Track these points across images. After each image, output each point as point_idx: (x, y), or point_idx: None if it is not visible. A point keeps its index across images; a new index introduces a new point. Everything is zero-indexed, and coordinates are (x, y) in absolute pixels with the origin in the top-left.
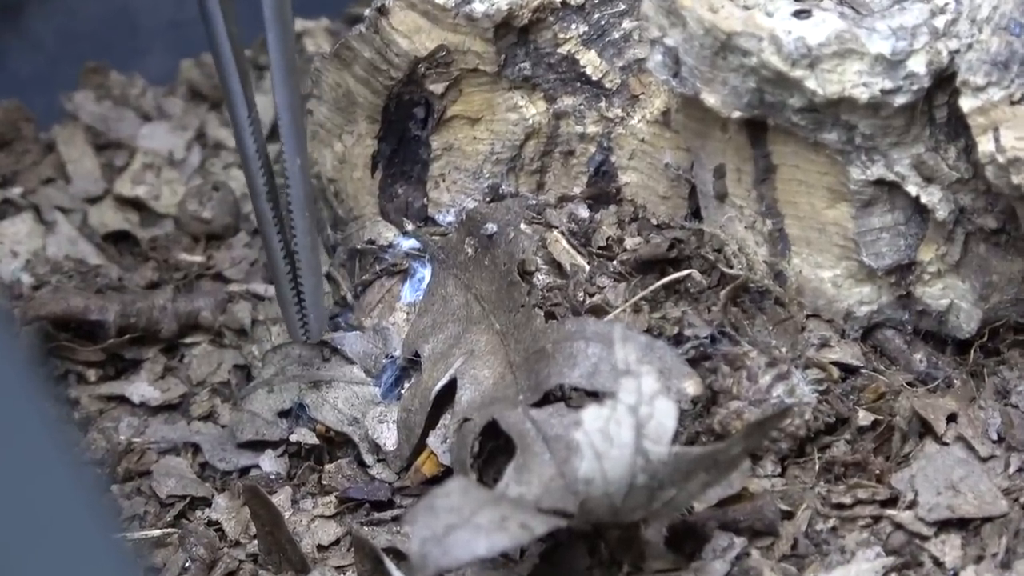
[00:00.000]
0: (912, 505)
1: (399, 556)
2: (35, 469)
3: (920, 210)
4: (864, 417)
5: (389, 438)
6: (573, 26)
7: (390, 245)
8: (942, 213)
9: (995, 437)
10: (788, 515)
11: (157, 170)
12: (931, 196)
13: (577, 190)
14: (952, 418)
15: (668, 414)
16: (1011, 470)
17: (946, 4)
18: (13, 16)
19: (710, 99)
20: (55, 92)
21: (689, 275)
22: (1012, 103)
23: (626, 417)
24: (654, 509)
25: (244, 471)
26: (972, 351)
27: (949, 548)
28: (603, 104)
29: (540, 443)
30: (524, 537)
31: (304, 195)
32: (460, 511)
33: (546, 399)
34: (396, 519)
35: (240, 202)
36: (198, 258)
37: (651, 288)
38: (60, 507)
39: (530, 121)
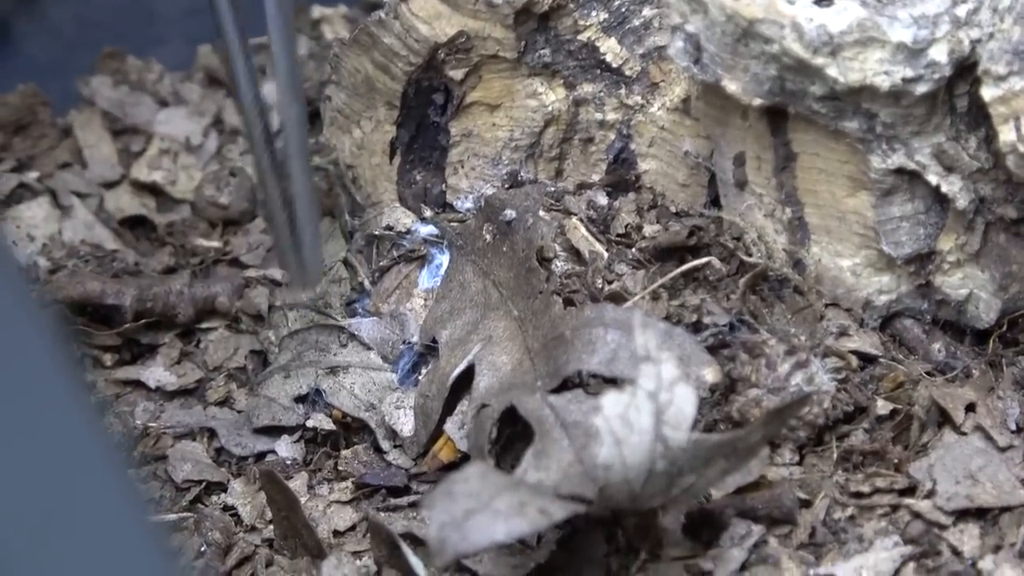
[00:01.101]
0: (930, 494)
1: (416, 542)
2: (69, 449)
3: (940, 199)
4: (883, 406)
5: (406, 424)
6: (594, 13)
7: (408, 231)
8: (962, 202)
9: (1014, 427)
10: (806, 503)
11: (174, 155)
12: (951, 185)
13: (596, 177)
14: (971, 408)
15: (688, 401)
16: None
17: None
18: (30, 2)
19: (731, 86)
20: (72, 77)
21: (708, 263)
22: None
23: (646, 403)
24: (673, 496)
25: (260, 456)
26: (991, 341)
27: (967, 538)
28: (623, 91)
29: (559, 429)
30: (543, 523)
31: (300, 142)
32: (479, 496)
33: (564, 385)
34: (413, 505)
35: (257, 188)
36: (215, 243)
37: (670, 276)
38: (93, 488)
39: (550, 108)
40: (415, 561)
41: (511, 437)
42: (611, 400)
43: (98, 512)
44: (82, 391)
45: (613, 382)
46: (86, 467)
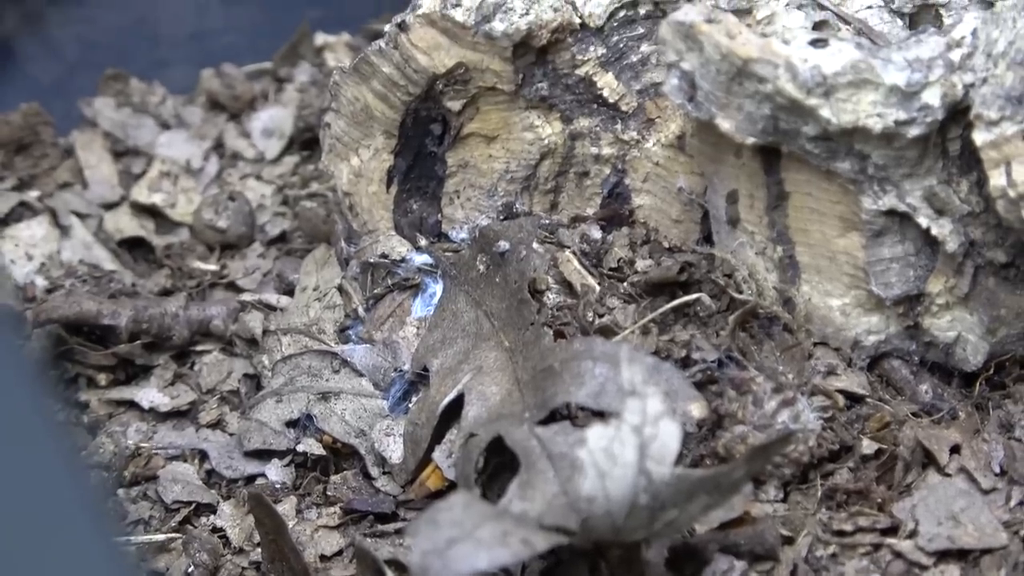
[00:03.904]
0: (912, 534)
1: (401, 568)
2: (40, 474)
3: (930, 242)
4: (868, 446)
5: (395, 451)
6: (591, 48)
7: (403, 260)
8: (952, 246)
9: (997, 470)
10: (789, 540)
11: (174, 178)
12: (942, 228)
13: (590, 211)
14: (955, 449)
15: (672, 435)
16: (1012, 503)
17: (962, 38)
18: (34, 23)
19: (725, 124)
20: (75, 98)
21: (699, 299)
22: None
23: (630, 437)
24: (655, 529)
25: (250, 479)
26: (978, 384)
27: None
28: (619, 126)
29: (544, 460)
30: (525, 553)
31: None
32: (462, 525)
33: (552, 417)
34: (399, 531)
35: (255, 213)
36: (212, 267)
37: (660, 310)
38: (63, 511)
39: (546, 141)
40: None
41: (498, 467)
42: (596, 433)
43: (66, 534)
44: (54, 414)
45: (601, 415)
46: (54, 489)
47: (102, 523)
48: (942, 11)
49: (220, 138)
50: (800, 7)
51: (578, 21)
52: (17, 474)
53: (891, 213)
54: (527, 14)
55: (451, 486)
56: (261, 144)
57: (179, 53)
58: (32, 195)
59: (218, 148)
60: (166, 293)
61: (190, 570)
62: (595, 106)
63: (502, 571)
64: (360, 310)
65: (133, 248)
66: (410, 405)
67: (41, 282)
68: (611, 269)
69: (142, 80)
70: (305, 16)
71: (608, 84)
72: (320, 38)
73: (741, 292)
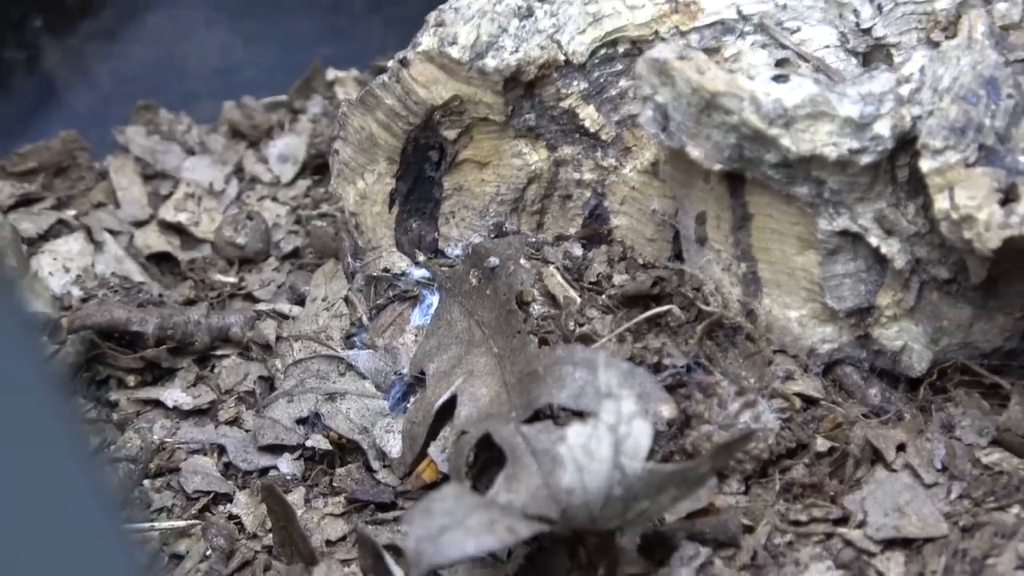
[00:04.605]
0: (861, 524)
1: (398, 553)
2: (55, 470)
3: (880, 260)
4: (822, 444)
5: (394, 446)
6: (574, 83)
7: (403, 273)
8: (900, 263)
9: (939, 466)
10: (749, 529)
11: (198, 199)
12: (890, 247)
13: (573, 230)
14: (901, 448)
15: (644, 434)
16: (952, 496)
17: (911, 75)
18: (74, 58)
19: (694, 152)
20: (109, 126)
21: (670, 310)
22: (967, 165)
23: (606, 435)
24: (628, 519)
25: (263, 471)
26: (922, 388)
27: (893, 565)
28: (599, 154)
29: (528, 456)
30: (510, 539)
31: None
32: (453, 514)
33: (536, 416)
34: (398, 519)
35: (271, 231)
36: (231, 279)
37: (635, 320)
38: (76, 504)
39: (533, 167)
40: (396, 570)
41: (487, 461)
42: (575, 431)
43: (75, 524)
44: (72, 417)
45: (580, 415)
46: (69, 485)
47: (114, 519)
48: (893, 50)
49: (240, 163)
50: (764, 46)
51: (563, 58)
52: (34, 470)
53: (844, 233)
54: (516, 51)
55: (444, 478)
56: (277, 169)
57: (204, 86)
58: (69, 214)
59: (238, 172)
60: (189, 303)
61: (208, 553)
62: (577, 135)
63: (490, 556)
64: (364, 319)
65: (160, 262)
66: (408, 405)
67: (77, 292)
68: (591, 283)
69: (170, 111)
70: (318, 54)
71: (589, 115)
72: (331, 73)
73: (708, 304)
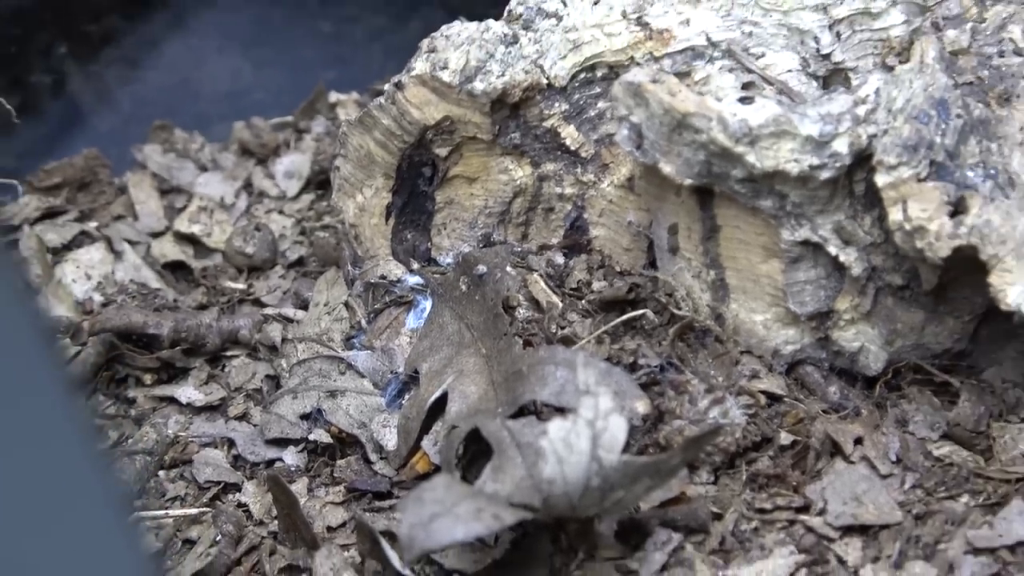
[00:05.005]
0: (822, 512)
1: (394, 538)
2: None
3: (839, 267)
4: (785, 437)
5: (390, 440)
6: (556, 104)
7: (399, 280)
8: (857, 271)
9: (894, 459)
10: (718, 516)
11: (210, 212)
12: (848, 256)
13: (555, 240)
14: (858, 441)
15: (620, 428)
16: (906, 486)
17: (867, 96)
18: (96, 82)
19: (667, 168)
20: (128, 145)
21: (644, 314)
22: (919, 180)
23: (585, 429)
24: (606, 507)
25: (270, 463)
26: (878, 386)
27: (851, 549)
28: (579, 170)
29: (513, 448)
30: (496, 526)
31: None
32: (443, 502)
33: (520, 412)
34: (394, 507)
35: (277, 241)
36: (240, 286)
37: (612, 324)
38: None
39: (518, 182)
40: (391, 554)
41: (475, 454)
42: (556, 426)
43: (84, 517)
44: (85, 419)
45: (561, 411)
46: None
47: (122, 513)
48: (850, 74)
49: (249, 179)
50: (731, 70)
51: (545, 82)
52: (47, 466)
53: (806, 243)
54: (503, 76)
55: (437, 470)
56: (283, 184)
57: (216, 108)
58: (91, 225)
59: (247, 187)
60: (202, 307)
61: (218, 539)
62: (559, 153)
63: (478, 541)
64: (363, 322)
65: (175, 270)
66: (403, 402)
67: (98, 298)
68: (571, 289)
69: (185, 130)
70: (321, 78)
71: (570, 134)
72: (333, 96)
73: (680, 309)
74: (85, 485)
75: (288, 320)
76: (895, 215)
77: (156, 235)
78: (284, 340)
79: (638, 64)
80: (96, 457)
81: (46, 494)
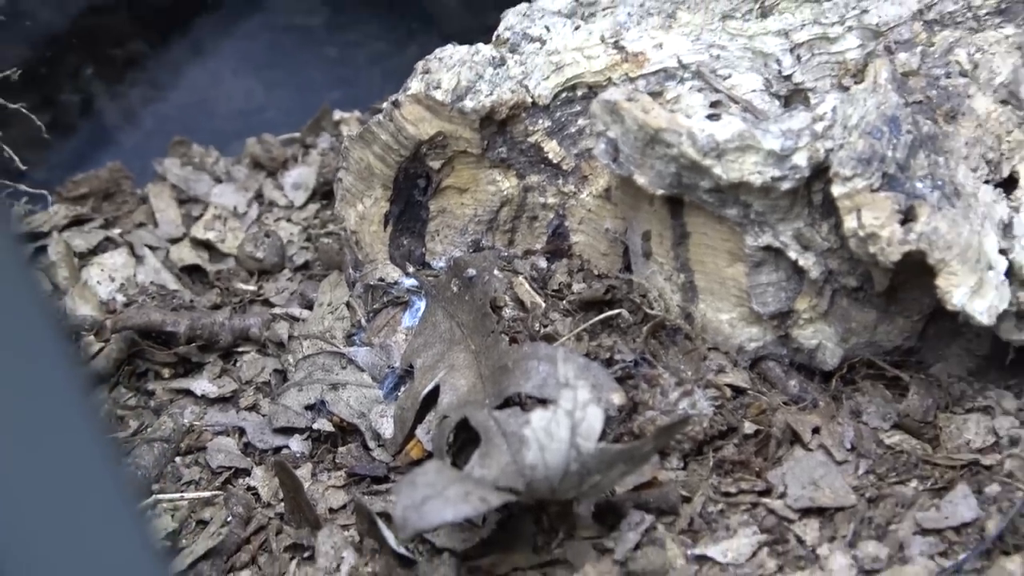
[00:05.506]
0: (782, 495)
1: (390, 519)
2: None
3: (798, 271)
4: (749, 427)
5: (387, 429)
6: (540, 121)
7: (395, 283)
8: (815, 274)
9: (848, 446)
10: (687, 499)
11: (224, 220)
12: (807, 260)
13: (539, 246)
14: (816, 431)
15: (596, 418)
16: (859, 472)
17: (824, 113)
18: (120, 100)
19: (640, 180)
20: (149, 158)
21: (620, 314)
22: (872, 190)
23: (564, 419)
24: (583, 490)
25: (277, 450)
26: (834, 380)
27: (809, 530)
28: (560, 181)
29: (499, 437)
30: (483, 508)
31: None
32: (434, 486)
33: (506, 403)
34: (390, 491)
35: (285, 247)
36: (251, 287)
37: (590, 322)
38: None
39: (505, 192)
40: (387, 533)
41: (465, 441)
42: (538, 416)
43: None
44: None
45: (543, 402)
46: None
47: (131, 503)
48: (810, 94)
49: (260, 190)
50: (700, 90)
51: (530, 100)
52: (58, 459)
53: (768, 248)
54: (491, 95)
55: (429, 456)
56: (291, 195)
57: (231, 125)
58: (115, 232)
59: (258, 197)
60: (216, 307)
61: (229, 519)
62: (543, 166)
63: (467, 521)
64: (363, 321)
65: (192, 273)
66: (399, 394)
67: (120, 298)
68: (553, 291)
69: (201, 145)
70: (327, 98)
71: (552, 149)
72: (337, 114)
73: (653, 309)
74: (96, 474)
75: (294, 319)
76: (850, 223)
77: (174, 241)
78: (291, 337)
79: (615, 84)
80: (107, 448)
81: (58, 483)
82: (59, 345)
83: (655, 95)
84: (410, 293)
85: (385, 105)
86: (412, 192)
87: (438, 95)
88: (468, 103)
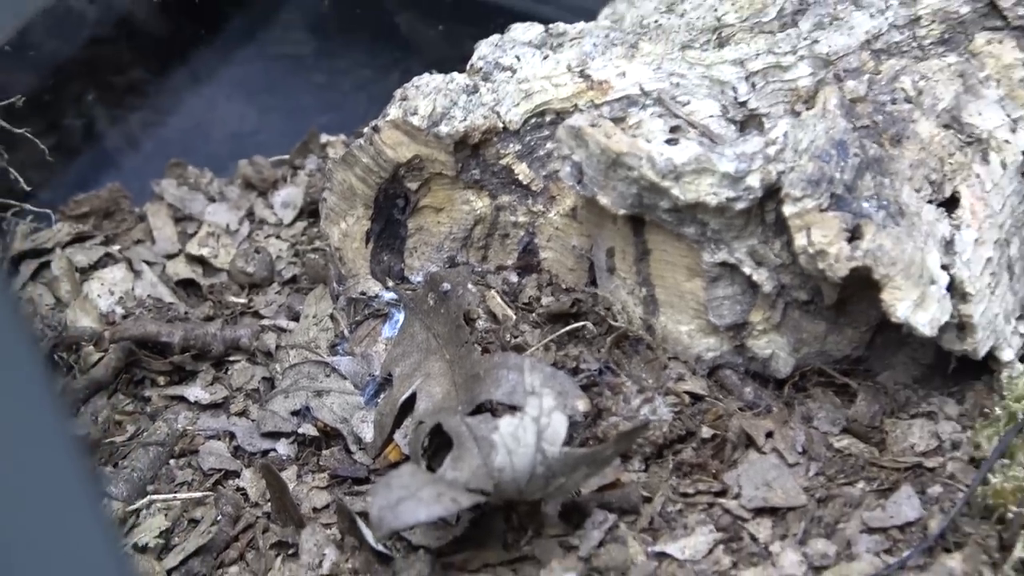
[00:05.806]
0: (737, 496)
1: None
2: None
3: (752, 285)
4: (706, 432)
5: (368, 433)
6: (511, 145)
7: (376, 296)
8: (768, 288)
9: (800, 450)
10: (647, 500)
11: (217, 237)
12: (760, 275)
13: (510, 262)
14: (769, 435)
15: (561, 424)
16: (810, 474)
17: (777, 138)
18: (122, 125)
19: (604, 200)
20: (147, 179)
21: (585, 325)
22: (821, 210)
23: (531, 425)
24: (549, 492)
25: (265, 453)
26: (786, 387)
27: (762, 528)
28: (530, 201)
29: (471, 441)
30: (454, 508)
31: None
32: (408, 488)
33: (478, 410)
34: (370, 491)
35: (275, 262)
36: (242, 300)
37: (558, 333)
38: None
39: (478, 212)
40: (367, 532)
41: (439, 446)
42: (506, 422)
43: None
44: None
45: (513, 409)
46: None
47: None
48: (764, 119)
49: (251, 209)
50: (660, 116)
51: (501, 126)
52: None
53: (724, 264)
54: (465, 120)
55: (407, 459)
56: (280, 213)
57: (224, 148)
58: (114, 248)
59: (250, 216)
60: (208, 319)
61: (219, 518)
62: (513, 187)
63: (441, 521)
64: (345, 332)
65: (186, 287)
66: (379, 400)
67: (119, 311)
68: (524, 304)
69: (197, 167)
70: (315, 122)
71: (523, 171)
72: (324, 138)
73: (616, 321)
74: (64, 482)
75: (282, 330)
76: (800, 240)
77: (170, 257)
78: (278, 347)
79: (580, 110)
80: (76, 457)
81: (25, 489)
82: (30, 356)
83: (618, 121)
84: (390, 306)
85: (366, 130)
86: (391, 211)
87: (415, 121)
88: (443, 128)
